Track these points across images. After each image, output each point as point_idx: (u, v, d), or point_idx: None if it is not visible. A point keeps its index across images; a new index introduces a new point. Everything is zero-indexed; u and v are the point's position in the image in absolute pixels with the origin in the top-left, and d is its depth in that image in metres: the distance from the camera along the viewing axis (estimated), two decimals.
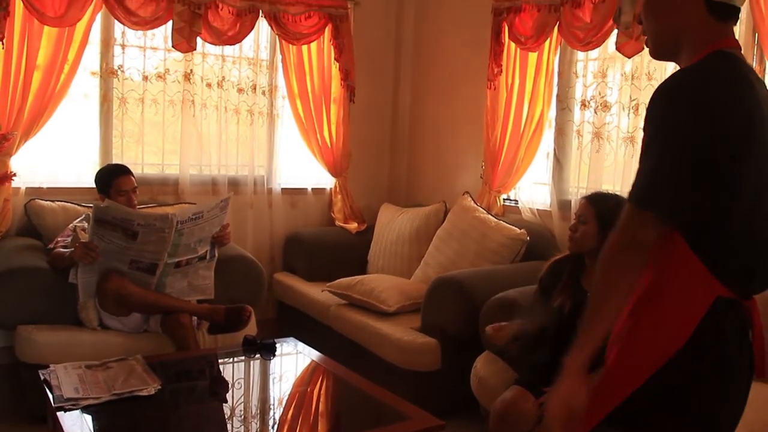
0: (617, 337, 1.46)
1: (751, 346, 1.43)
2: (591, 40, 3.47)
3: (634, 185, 1.39)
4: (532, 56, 3.89)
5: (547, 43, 3.78)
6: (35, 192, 3.80)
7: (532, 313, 2.64)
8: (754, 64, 3.00)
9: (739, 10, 1.46)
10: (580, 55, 3.74)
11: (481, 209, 3.89)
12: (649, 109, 1.40)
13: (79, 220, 3.44)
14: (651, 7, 1.51)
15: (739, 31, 3.04)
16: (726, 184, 1.34)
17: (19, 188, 3.76)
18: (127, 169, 3.49)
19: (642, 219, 1.36)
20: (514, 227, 3.66)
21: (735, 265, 1.38)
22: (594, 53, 3.64)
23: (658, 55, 1.56)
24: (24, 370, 3.03)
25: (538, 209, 3.99)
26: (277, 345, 2.92)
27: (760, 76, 2.97)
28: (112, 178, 3.40)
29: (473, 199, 3.99)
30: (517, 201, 4.16)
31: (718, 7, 1.43)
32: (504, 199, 4.19)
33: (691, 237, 1.36)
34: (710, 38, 1.43)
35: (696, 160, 1.32)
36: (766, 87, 1.46)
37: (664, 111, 1.36)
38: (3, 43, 3.54)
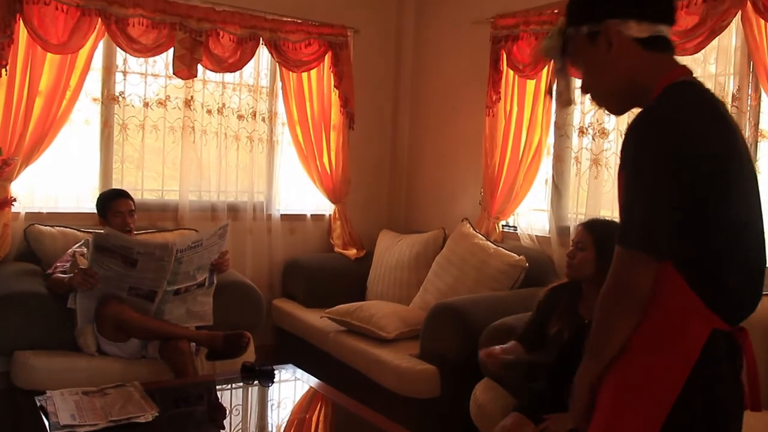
0: (611, 374, 1.42)
1: (739, 378, 1.39)
2: None
3: (625, 228, 1.35)
4: (531, 83, 3.93)
5: (545, 70, 3.82)
6: (35, 217, 3.80)
7: (526, 342, 2.64)
8: (749, 91, 3.02)
9: (669, 39, 1.45)
10: (578, 82, 3.76)
11: (480, 235, 3.90)
12: (627, 148, 1.36)
13: (78, 245, 3.44)
14: (591, 73, 1.51)
15: (735, 59, 3.08)
16: (723, 211, 1.32)
17: (18, 213, 3.77)
18: (126, 193, 3.51)
19: (637, 261, 1.33)
20: (512, 254, 3.66)
21: (727, 295, 1.35)
22: None
23: (620, 110, 1.56)
24: (20, 396, 3.00)
25: (536, 235, 4.00)
26: (276, 372, 2.90)
27: (754, 102, 3.01)
28: (110, 200, 3.43)
29: (472, 226, 4.00)
30: (515, 227, 4.17)
31: (650, 42, 1.42)
32: (503, 226, 4.19)
33: (684, 268, 1.33)
34: (661, 73, 1.41)
35: (686, 191, 1.29)
36: (729, 112, 1.45)
37: (646, 147, 1.33)
38: (6, 70, 3.57)
